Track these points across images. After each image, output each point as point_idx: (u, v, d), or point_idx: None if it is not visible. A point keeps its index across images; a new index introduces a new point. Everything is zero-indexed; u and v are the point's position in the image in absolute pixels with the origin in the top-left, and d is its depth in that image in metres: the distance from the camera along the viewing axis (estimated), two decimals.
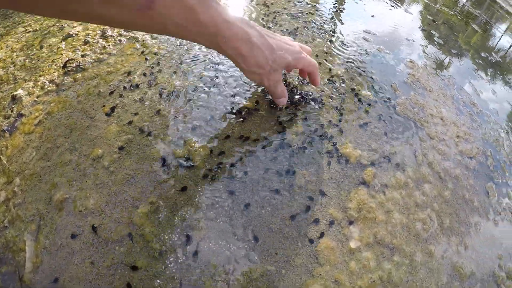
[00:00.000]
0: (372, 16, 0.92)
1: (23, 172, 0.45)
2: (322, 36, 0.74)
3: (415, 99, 0.65)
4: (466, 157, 0.59)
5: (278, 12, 0.79)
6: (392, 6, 1.08)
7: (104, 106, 0.51)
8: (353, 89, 0.61)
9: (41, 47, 0.65)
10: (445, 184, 0.53)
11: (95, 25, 0.69)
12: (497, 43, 1.24)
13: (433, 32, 1.00)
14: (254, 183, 0.44)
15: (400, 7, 1.10)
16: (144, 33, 0.65)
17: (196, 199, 0.41)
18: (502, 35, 1.32)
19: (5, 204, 0.43)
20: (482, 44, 1.17)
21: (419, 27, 1.01)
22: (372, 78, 0.65)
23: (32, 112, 0.52)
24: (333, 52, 0.69)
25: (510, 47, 1.25)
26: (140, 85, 0.54)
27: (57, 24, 0.71)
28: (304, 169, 0.46)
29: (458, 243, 0.48)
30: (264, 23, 0.74)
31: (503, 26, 1.50)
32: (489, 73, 0.95)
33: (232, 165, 0.45)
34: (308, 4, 0.87)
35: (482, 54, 1.05)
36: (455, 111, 0.68)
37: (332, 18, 0.84)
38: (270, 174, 0.45)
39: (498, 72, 0.99)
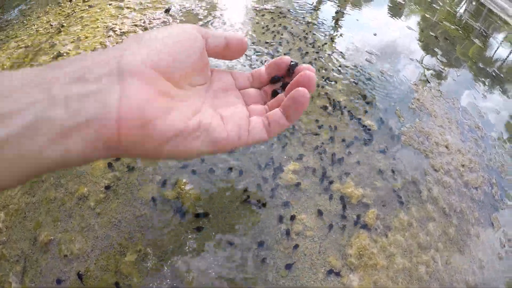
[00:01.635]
0: (375, 34, 0.89)
1: (8, 206, 0.43)
2: (322, 58, 0.72)
3: (420, 126, 0.62)
4: (471, 188, 0.57)
5: (278, 32, 0.76)
6: (393, 22, 1.06)
7: None
8: (355, 118, 0.58)
9: (31, 66, 0.62)
10: (450, 220, 0.51)
11: (87, 44, 0.67)
12: (496, 55, 1.22)
13: (436, 50, 0.97)
14: (250, 230, 0.41)
15: (401, 23, 1.07)
16: None
17: (186, 248, 0.39)
18: (499, 46, 1.30)
19: None
20: (484, 59, 1.15)
21: (421, 45, 0.98)
22: (375, 104, 0.63)
23: None
24: (334, 76, 0.67)
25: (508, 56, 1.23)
26: None
27: (49, 41, 0.68)
28: (302, 213, 0.44)
29: (460, 281, 0.46)
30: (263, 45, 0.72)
31: (501, 36, 1.47)
32: (493, 91, 0.92)
33: (224, 211, 0.42)
34: (309, 22, 0.84)
35: (483, 68, 1.02)
36: (459, 137, 0.65)
37: (332, 38, 0.81)
38: (267, 219, 0.43)
39: (500, 89, 0.96)
